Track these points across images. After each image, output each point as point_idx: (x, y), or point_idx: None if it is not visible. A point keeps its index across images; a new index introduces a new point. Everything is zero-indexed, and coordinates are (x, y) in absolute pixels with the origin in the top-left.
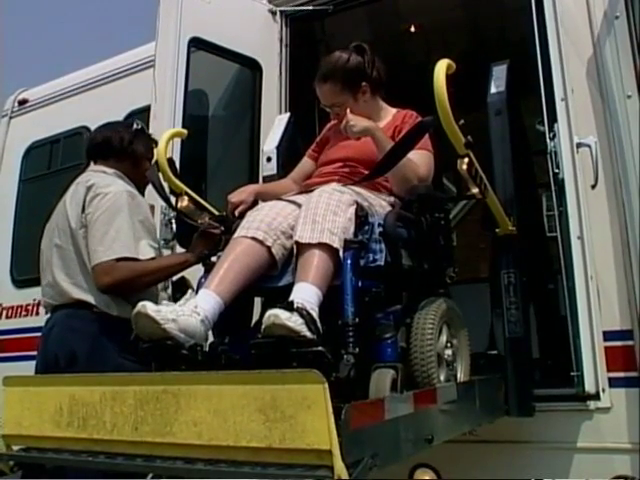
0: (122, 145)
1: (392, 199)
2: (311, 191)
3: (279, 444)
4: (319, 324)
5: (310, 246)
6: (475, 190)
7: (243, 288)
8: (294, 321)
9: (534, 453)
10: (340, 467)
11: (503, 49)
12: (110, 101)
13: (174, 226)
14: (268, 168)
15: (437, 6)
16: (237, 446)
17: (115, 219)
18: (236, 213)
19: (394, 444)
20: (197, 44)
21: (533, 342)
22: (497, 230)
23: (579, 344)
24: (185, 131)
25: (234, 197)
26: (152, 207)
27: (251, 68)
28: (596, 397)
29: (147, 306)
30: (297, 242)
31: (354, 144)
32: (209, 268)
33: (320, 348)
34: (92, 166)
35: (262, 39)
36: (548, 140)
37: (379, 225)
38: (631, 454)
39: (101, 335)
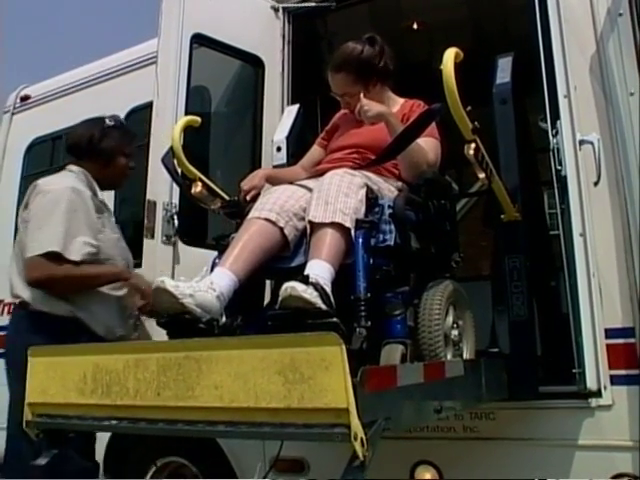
0: (91, 143)
1: (399, 184)
2: (321, 176)
3: (298, 404)
4: (332, 299)
5: (323, 225)
6: (482, 175)
7: (257, 267)
8: (310, 293)
9: (535, 450)
10: (356, 424)
11: (506, 46)
12: (112, 97)
13: (176, 222)
14: (278, 158)
15: (440, 3)
16: (257, 407)
17: (50, 216)
18: (248, 198)
19: (405, 410)
20: (199, 40)
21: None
22: (502, 216)
23: (581, 341)
24: (199, 119)
25: (246, 184)
26: (154, 203)
27: (253, 65)
28: (598, 394)
29: (166, 281)
30: (310, 222)
31: (364, 131)
32: (223, 249)
33: (335, 319)
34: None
35: (264, 36)
36: (551, 137)
37: (389, 207)
38: (632, 452)
39: (27, 332)
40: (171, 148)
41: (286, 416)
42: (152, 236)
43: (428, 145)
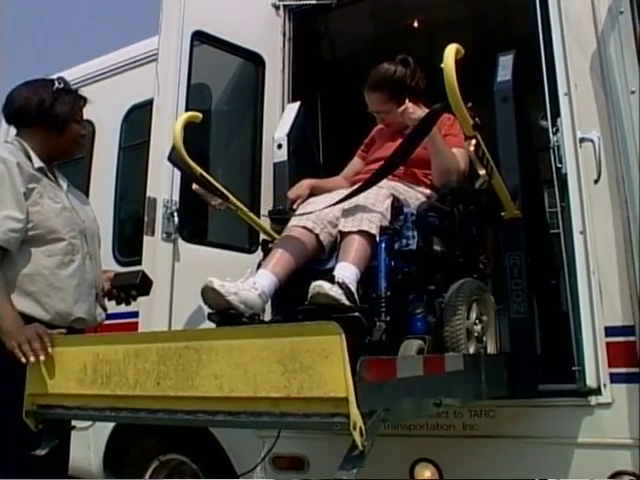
0: (42, 109)
1: (428, 192)
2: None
3: (297, 393)
4: (356, 296)
5: (351, 233)
6: (482, 172)
7: (295, 269)
8: (335, 291)
9: (535, 448)
10: (355, 414)
11: (507, 44)
12: (113, 95)
13: (176, 219)
14: (279, 155)
15: (440, 2)
16: (257, 397)
17: None
18: (294, 207)
19: (405, 402)
20: (200, 38)
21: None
22: (503, 214)
23: (581, 339)
24: (200, 115)
25: (292, 194)
26: (154, 200)
27: (254, 62)
28: (597, 392)
29: (213, 281)
30: (340, 231)
31: (397, 144)
32: (267, 253)
33: (357, 314)
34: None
35: (265, 33)
36: (551, 135)
37: (412, 214)
38: (632, 449)
39: None
40: (174, 146)
41: (285, 405)
42: (152, 233)
43: (460, 155)
